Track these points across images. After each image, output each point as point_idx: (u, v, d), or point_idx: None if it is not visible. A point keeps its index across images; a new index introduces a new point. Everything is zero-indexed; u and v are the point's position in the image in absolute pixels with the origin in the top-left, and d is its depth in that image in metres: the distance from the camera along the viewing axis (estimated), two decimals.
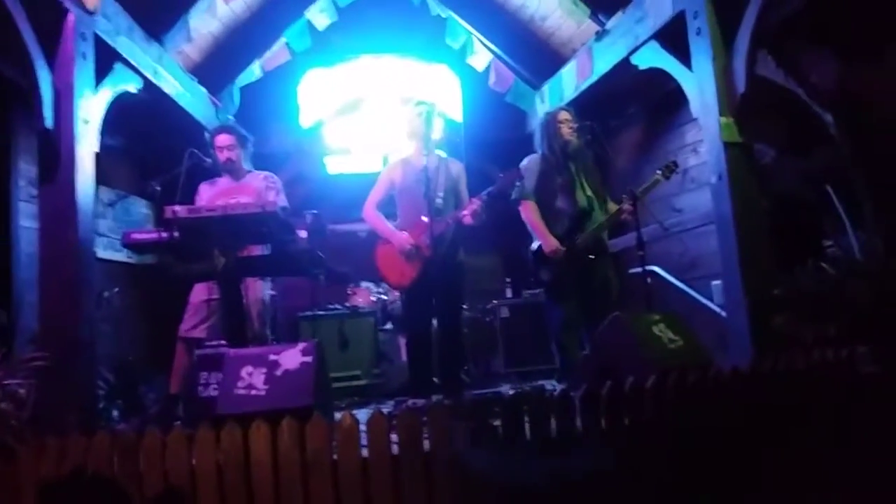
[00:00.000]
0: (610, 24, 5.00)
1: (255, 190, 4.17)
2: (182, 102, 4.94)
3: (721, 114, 3.79)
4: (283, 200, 4.14)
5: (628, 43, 4.63)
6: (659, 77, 4.40)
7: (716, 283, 4.48)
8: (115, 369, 4.12)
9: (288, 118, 6.56)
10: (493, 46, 6.19)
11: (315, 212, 3.94)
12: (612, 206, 4.08)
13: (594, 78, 5.21)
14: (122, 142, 5.12)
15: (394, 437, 2.20)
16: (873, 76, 3.82)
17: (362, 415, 2.30)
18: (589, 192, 4.10)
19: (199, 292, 4.06)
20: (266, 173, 4.36)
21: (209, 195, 4.21)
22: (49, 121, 3.35)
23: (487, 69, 6.18)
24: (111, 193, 5.04)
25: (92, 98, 3.67)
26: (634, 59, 4.57)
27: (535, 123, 4.64)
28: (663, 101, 5.24)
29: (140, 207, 5.45)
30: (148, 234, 3.36)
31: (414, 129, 4.13)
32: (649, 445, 2.25)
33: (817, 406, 2.45)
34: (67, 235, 3.39)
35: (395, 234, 3.99)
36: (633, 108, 5.86)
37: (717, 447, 2.25)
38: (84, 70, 3.60)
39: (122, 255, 4.86)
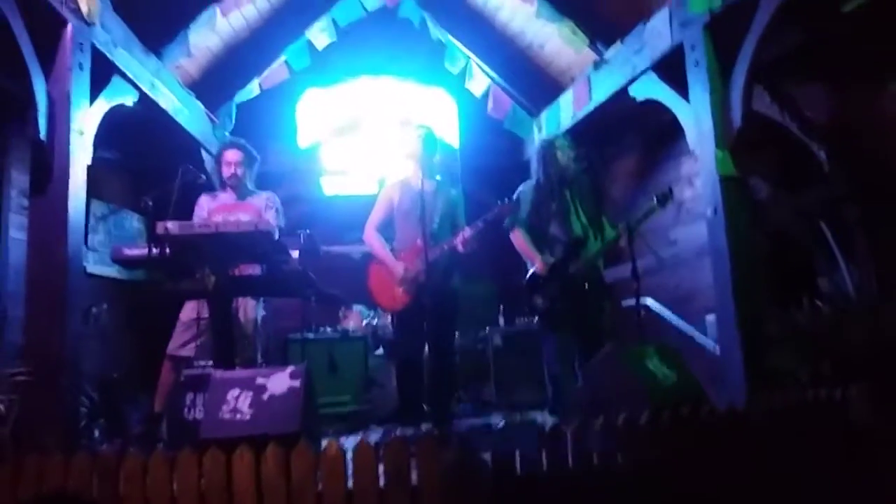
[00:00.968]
0: (608, 53, 5.03)
1: (256, 209, 4.16)
2: (178, 117, 4.92)
3: (717, 147, 3.80)
4: (280, 221, 4.13)
5: (626, 73, 4.64)
6: (656, 107, 4.40)
7: (710, 317, 4.46)
8: (99, 387, 4.06)
9: (285, 137, 6.54)
10: (491, 72, 6.22)
11: (308, 231, 3.92)
12: (609, 234, 4.07)
13: (591, 107, 5.22)
14: (117, 155, 5.10)
15: (381, 467, 2.15)
16: (867, 112, 3.84)
17: (350, 442, 2.26)
18: (584, 220, 4.10)
19: (189, 310, 4.01)
20: (268, 193, 4.35)
21: (209, 207, 4.20)
22: (43, 131, 3.31)
23: (485, 95, 6.19)
24: (103, 207, 5.00)
25: (87, 110, 3.64)
26: (632, 90, 4.58)
27: (532, 150, 4.65)
28: (660, 131, 5.25)
29: (133, 222, 5.41)
30: (138, 250, 3.31)
31: (412, 151, 4.12)
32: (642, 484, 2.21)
33: (811, 448, 2.42)
34: (57, 249, 3.34)
35: (392, 263, 3.97)
36: (629, 137, 5.88)
37: (711, 488, 2.21)
38: (80, 81, 3.58)
39: (112, 271, 4.81)
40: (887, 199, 3.69)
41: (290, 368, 2.71)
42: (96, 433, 3.79)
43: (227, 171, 4.22)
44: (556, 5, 5.35)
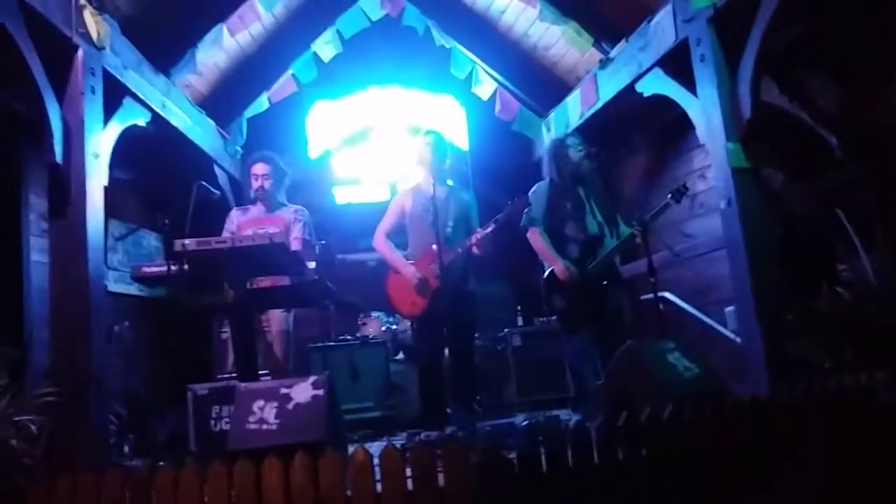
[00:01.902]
0: (613, 52, 5.03)
1: (285, 222, 4.17)
2: (190, 135, 4.98)
3: (728, 139, 3.79)
4: (308, 234, 4.16)
5: (632, 70, 4.65)
6: (664, 103, 4.41)
7: (729, 308, 4.44)
8: (126, 404, 4.10)
9: (296, 149, 6.57)
10: (497, 76, 6.24)
11: (323, 242, 3.95)
12: (624, 231, 4.07)
13: (599, 105, 5.23)
14: (132, 174, 5.15)
15: (408, 471, 2.17)
16: (878, 98, 3.82)
17: (375, 448, 2.27)
18: (599, 218, 4.10)
19: None
20: (297, 207, 4.36)
21: (239, 221, 4.24)
22: (59, 156, 3.36)
23: (493, 98, 6.20)
24: (121, 227, 5.06)
25: (101, 132, 3.70)
26: (639, 87, 4.59)
27: (542, 151, 4.66)
28: (669, 126, 5.24)
29: (151, 240, 5.46)
30: (157, 268, 3.36)
31: (422, 158, 4.14)
32: (666, 477, 2.21)
33: (837, 435, 2.40)
34: (78, 270, 3.40)
35: (404, 265, 3.99)
36: (639, 134, 5.87)
37: (736, 478, 2.21)
38: (93, 105, 3.64)
39: (133, 289, 4.85)
40: None
41: (312, 378, 2.73)
42: (126, 449, 3.83)
43: (254, 184, 4.25)
44: (558, 7, 5.36)
